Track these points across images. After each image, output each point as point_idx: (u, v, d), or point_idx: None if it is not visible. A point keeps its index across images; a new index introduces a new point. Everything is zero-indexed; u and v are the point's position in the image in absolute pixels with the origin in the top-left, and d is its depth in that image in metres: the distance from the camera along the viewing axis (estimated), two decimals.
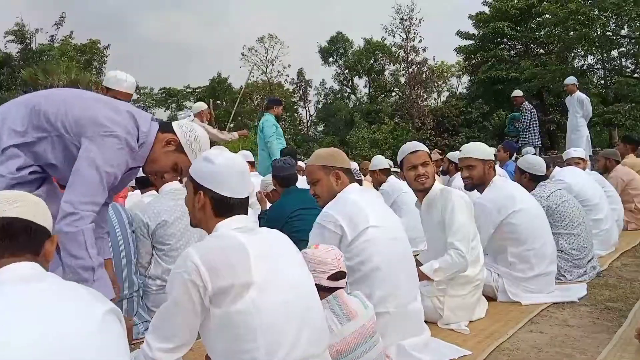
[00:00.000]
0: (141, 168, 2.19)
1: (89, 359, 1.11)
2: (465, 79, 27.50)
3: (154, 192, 3.67)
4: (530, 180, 3.80)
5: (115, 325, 1.23)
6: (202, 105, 6.86)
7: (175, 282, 1.52)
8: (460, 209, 2.73)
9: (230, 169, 1.68)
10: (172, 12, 63.38)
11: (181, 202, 3.20)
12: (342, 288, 1.96)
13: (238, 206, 1.69)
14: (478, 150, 3.26)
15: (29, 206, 1.25)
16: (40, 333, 1.07)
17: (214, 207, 1.67)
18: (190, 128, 2.16)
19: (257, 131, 6.98)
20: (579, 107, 8.31)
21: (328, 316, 1.86)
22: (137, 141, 2.03)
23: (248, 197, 1.75)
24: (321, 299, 1.78)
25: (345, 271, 1.98)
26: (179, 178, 3.35)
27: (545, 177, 3.85)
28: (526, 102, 9.28)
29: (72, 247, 1.86)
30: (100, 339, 1.16)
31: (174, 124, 2.17)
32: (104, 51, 26.10)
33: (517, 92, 9.27)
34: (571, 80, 8.68)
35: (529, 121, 8.82)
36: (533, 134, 8.82)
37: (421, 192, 2.91)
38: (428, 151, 2.96)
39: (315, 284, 1.80)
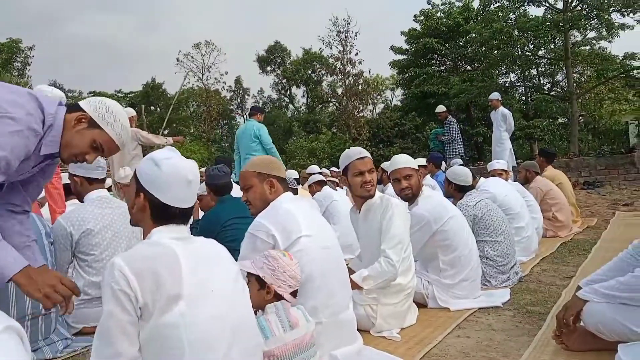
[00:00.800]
0: (60, 157, 1.99)
1: None
2: (399, 91, 28.46)
3: (75, 200, 3.45)
4: (456, 190, 3.98)
5: (11, 346, 1.06)
6: (131, 111, 6.74)
7: (106, 295, 1.43)
8: (399, 217, 2.78)
9: (176, 177, 1.59)
10: (106, 14, 60.84)
11: (108, 211, 3.06)
12: None
13: (179, 215, 1.62)
14: (411, 160, 3.35)
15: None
16: None
17: (152, 212, 1.61)
18: (99, 100, 1.97)
19: (237, 137, 7.09)
20: (503, 121, 8.81)
21: (273, 319, 1.87)
22: (43, 124, 1.85)
23: (192, 207, 1.68)
24: (269, 303, 1.83)
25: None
26: (104, 182, 3.18)
27: (471, 187, 4.03)
28: (450, 116, 9.73)
29: None
30: None
31: (81, 102, 1.98)
32: (28, 52, 24.51)
33: (441, 108, 9.71)
34: (495, 95, 9.20)
35: (454, 133, 9.26)
36: (458, 145, 9.26)
37: (362, 198, 2.92)
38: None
39: (275, 291, 1.87)
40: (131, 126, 6.29)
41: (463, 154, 9.30)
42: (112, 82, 67.50)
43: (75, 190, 3.19)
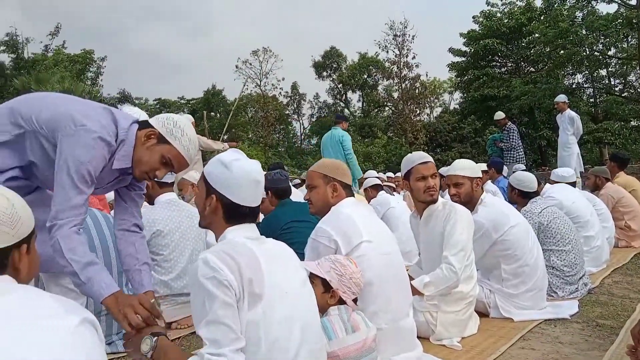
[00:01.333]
0: (132, 175, 2.07)
1: None
2: (458, 94, 27.83)
3: (145, 203, 3.64)
4: (520, 197, 3.84)
5: (87, 337, 1.16)
6: (189, 118, 7.02)
7: (208, 287, 1.45)
8: (462, 224, 2.72)
9: (246, 177, 1.65)
10: (167, 25, 63.69)
11: (176, 213, 3.21)
12: None
13: (249, 215, 1.68)
14: (466, 167, 3.22)
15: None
16: (3, 350, 1.02)
17: (224, 212, 1.66)
18: (166, 117, 2.03)
19: (323, 143, 7.45)
20: (570, 124, 8.41)
21: (336, 321, 1.93)
22: (117, 138, 1.93)
23: (259, 206, 1.74)
24: (331, 306, 1.91)
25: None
26: (173, 185, 3.34)
27: (536, 194, 3.88)
28: (510, 122, 9.38)
29: (57, 257, 1.83)
30: (70, 353, 1.10)
31: (151, 119, 2.06)
32: (100, 62, 26.09)
33: (499, 115, 9.37)
34: (562, 98, 8.80)
35: (514, 141, 8.91)
36: (517, 153, 8.90)
37: (424, 203, 2.87)
38: None
39: (340, 297, 1.94)
40: None
41: (523, 162, 8.94)
42: (175, 89, 70.46)
43: (147, 193, 3.37)
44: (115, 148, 1.95)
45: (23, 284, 1.21)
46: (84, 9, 54.02)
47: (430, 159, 2.89)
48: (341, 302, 1.99)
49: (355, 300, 2.04)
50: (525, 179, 3.90)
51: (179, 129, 1.98)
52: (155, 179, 2.05)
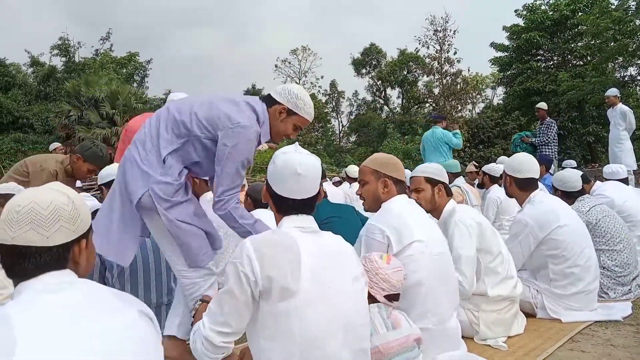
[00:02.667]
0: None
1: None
2: (500, 90, 27.08)
3: None
4: (563, 197, 3.68)
5: (145, 328, 1.24)
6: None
7: (230, 272, 1.58)
8: (459, 235, 2.60)
9: (287, 170, 1.70)
10: (207, 29, 65.03)
11: None
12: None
13: (298, 207, 1.72)
14: (506, 165, 3.27)
15: (41, 228, 1.18)
16: (69, 344, 1.08)
17: (274, 203, 1.76)
18: (288, 91, 2.36)
19: (424, 142, 7.49)
20: (622, 119, 8.03)
21: (376, 318, 1.94)
22: (259, 122, 2.33)
23: (312, 198, 1.75)
24: (371, 303, 1.90)
25: (400, 294, 2.03)
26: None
27: (581, 192, 3.74)
28: (549, 117, 8.98)
29: (230, 222, 2.29)
30: (130, 345, 1.17)
31: (272, 93, 2.39)
32: (146, 65, 26.92)
33: (543, 105, 8.97)
34: (613, 92, 8.41)
35: (551, 135, 8.53)
36: (551, 149, 8.52)
37: (433, 212, 2.80)
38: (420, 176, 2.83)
39: (369, 294, 1.89)
40: None
41: (556, 158, 8.54)
42: (217, 90, 71.82)
43: (193, 190, 3.47)
44: (260, 130, 2.33)
45: (83, 278, 1.28)
46: (132, 15, 55.87)
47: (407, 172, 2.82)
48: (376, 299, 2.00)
49: (390, 298, 2.01)
50: (567, 178, 3.77)
51: (301, 100, 2.35)
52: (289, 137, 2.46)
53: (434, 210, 2.78)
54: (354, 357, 1.60)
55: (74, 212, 1.24)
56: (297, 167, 1.70)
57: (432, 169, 2.86)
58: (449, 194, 2.81)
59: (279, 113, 2.35)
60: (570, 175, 3.83)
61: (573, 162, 7.61)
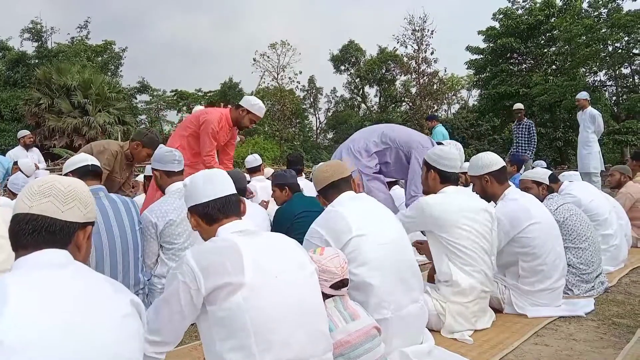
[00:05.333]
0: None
1: (110, 350, 1.15)
2: (476, 92, 27.51)
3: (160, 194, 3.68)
4: (546, 191, 3.75)
5: (134, 319, 1.27)
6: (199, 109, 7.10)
7: (171, 282, 1.61)
8: None
9: (194, 182, 1.84)
10: (185, 16, 64.06)
11: None
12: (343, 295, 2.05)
13: (222, 208, 1.77)
14: (471, 166, 3.29)
15: (58, 201, 1.26)
16: (63, 320, 1.11)
17: (203, 218, 1.80)
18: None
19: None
20: (591, 122, 8.24)
21: (333, 313, 1.95)
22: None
23: (231, 197, 1.82)
24: (326, 299, 1.89)
25: (348, 278, 2.05)
26: (182, 174, 3.37)
27: (550, 191, 3.82)
28: (526, 118, 9.19)
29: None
30: (120, 331, 1.20)
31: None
32: (121, 53, 26.36)
33: (520, 105, 9.18)
34: (583, 95, 8.62)
35: (532, 136, 8.74)
36: (531, 150, 8.72)
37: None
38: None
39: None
40: None
41: (532, 159, 8.77)
42: (193, 81, 70.84)
43: (157, 183, 3.40)
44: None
45: (77, 261, 1.30)
46: (109, 1, 54.58)
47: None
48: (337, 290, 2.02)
49: (336, 286, 2.01)
50: (537, 172, 3.87)
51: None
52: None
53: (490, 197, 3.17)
54: (311, 339, 1.62)
55: (89, 198, 1.35)
56: (200, 176, 1.86)
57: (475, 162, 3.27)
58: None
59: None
60: (540, 170, 3.93)
61: (543, 163, 7.79)
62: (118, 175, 4.12)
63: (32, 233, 1.23)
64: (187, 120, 4.68)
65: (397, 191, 5.59)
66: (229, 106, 4.60)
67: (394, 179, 4.99)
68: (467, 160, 4.13)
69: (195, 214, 1.81)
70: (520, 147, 8.71)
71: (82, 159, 2.97)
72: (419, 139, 3.95)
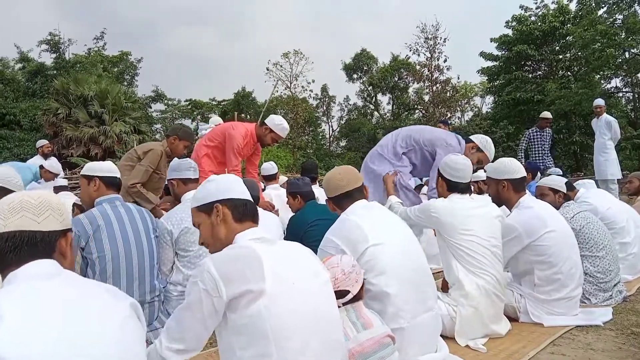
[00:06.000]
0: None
1: (112, 357, 1.15)
2: (489, 99, 27.33)
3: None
4: (563, 199, 3.73)
5: (134, 322, 1.28)
6: (218, 119, 7.17)
7: (192, 290, 1.60)
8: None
9: (227, 178, 1.88)
10: (199, 27, 64.87)
11: None
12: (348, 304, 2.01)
13: (245, 211, 1.80)
14: (493, 168, 3.33)
15: (31, 214, 1.27)
16: (61, 331, 1.10)
17: (231, 218, 1.79)
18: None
19: None
20: (607, 129, 8.15)
21: (346, 323, 1.93)
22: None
23: (251, 202, 1.85)
24: (343, 305, 1.91)
25: (347, 289, 1.98)
26: (198, 182, 3.42)
27: (567, 198, 3.79)
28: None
29: None
30: (121, 337, 1.20)
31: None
32: (137, 64, 26.73)
33: (548, 114, 9.07)
34: (600, 102, 8.54)
35: (549, 143, 8.66)
36: (549, 158, 8.64)
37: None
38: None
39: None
40: None
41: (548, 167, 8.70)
42: (206, 91, 71.53)
43: (173, 192, 3.45)
44: None
45: (66, 269, 1.30)
46: (124, 13, 55.52)
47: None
48: (353, 300, 2.00)
49: (339, 294, 1.97)
50: (554, 179, 3.83)
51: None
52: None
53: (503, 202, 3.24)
54: (324, 347, 1.61)
55: (61, 206, 1.34)
56: (228, 176, 1.93)
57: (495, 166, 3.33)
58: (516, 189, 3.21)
59: (471, 148, 4.06)
60: (557, 177, 3.90)
61: (558, 170, 7.69)
62: (162, 172, 4.27)
63: (13, 250, 1.22)
64: (213, 132, 4.83)
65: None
66: (250, 116, 5.21)
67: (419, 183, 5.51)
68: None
69: (227, 207, 1.78)
70: (541, 155, 8.58)
71: (113, 169, 3.02)
72: (444, 137, 4.00)
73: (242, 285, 1.53)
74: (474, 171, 3.86)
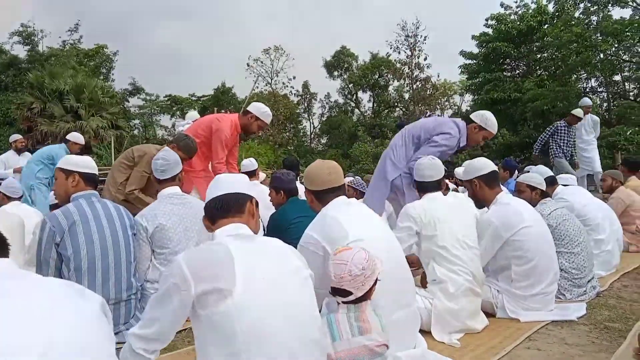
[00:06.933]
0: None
1: (88, 354, 1.11)
2: (468, 97, 27.68)
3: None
4: (539, 196, 3.77)
5: (103, 319, 1.24)
6: (195, 115, 7.07)
7: (163, 282, 1.63)
8: None
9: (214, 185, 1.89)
10: (178, 22, 64.06)
11: (179, 207, 3.23)
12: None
13: (224, 207, 1.80)
14: (464, 170, 3.44)
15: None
16: (48, 331, 1.06)
17: (210, 219, 1.83)
18: (257, 106, 4.56)
19: None
20: (594, 127, 8.43)
21: (343, 322, 1.89)
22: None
23: (234, 195, 1.82)
24: (344, 303, 1.88)
25: (348, 290, 1.91)
26: (175, 180, 3.37)
27: (546, 195, 3.85)
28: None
29: None
30: (95, 334, 1.17)
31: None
32: (112, 57, 26.27)
33: (580, 112, 8.79)
34: (588, 102, 8.73)
35: (573, 140, 8.62)
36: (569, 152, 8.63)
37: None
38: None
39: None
40: None
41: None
42: (185, 86, 70.69)
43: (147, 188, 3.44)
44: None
45: (22, 270, 1.26)
46: (101, 6, 54.43)
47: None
48: (358, 301, 1.94)
49: (336, 293, 1.94)
50: (537, 176, 3.88)
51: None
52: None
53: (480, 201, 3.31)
54: (304, 348, 1.59)
55: None
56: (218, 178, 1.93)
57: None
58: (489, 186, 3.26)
59: (474, 128, 4.00)
60: (536, 175, 3.95)
61: (544, 168, 7.80)
62: None
63: None
64: (197, 126, 4.72)
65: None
66: (230, 112, 5.05)
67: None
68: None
69: (208, 217, 1.85)
70: (569, 149, 8.47)
71: (93, 165, 2.97)
72: (441, 127, 3.94)
73: (211, 283, 1.53)
74: (482, 148, 3.88)
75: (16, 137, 8.17)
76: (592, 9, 16.98)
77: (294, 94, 32.62)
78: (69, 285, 1.25)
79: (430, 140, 3.87)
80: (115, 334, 2.76)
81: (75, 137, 6.85)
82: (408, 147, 4.00)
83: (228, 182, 1.87)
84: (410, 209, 2.90)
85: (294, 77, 30.93)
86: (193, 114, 7.16)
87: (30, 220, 3.77)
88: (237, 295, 1.52)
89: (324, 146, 32.69)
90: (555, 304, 3.17)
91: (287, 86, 30.68)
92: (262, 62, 29.86)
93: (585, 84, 21.42)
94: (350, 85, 31.84)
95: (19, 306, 1.08)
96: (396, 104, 29.50)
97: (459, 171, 5.75)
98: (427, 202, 2.94)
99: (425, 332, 2.60)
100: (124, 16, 56.23)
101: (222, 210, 1.79)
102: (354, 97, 32.79)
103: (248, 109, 4.66)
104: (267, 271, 1.62)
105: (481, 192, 3.25)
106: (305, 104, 34.03)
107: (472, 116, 4.01)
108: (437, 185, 3.03)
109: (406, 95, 27.06)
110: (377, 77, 30.35)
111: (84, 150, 6.85)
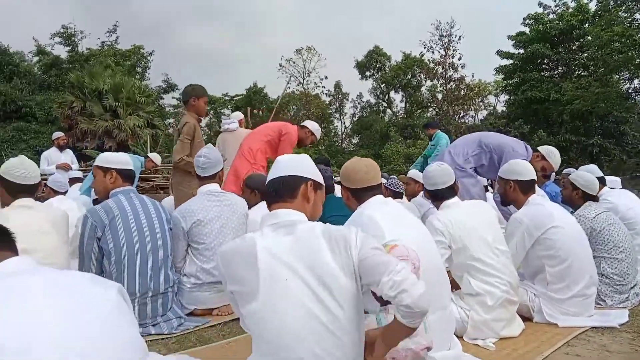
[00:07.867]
0: None
1: (112, 342, 1.13)
2: (503, 97, 27.09)
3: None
4: (581, 198, 3.68)
5: (123, 304, 1.24)
6: (240, 115, 7.41)
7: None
8: None
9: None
10: (212, 23, 65.07)
11: (216, 204, 3.29)
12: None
13: (273, 191, 1.76)
14: (504, 167, 3.36)
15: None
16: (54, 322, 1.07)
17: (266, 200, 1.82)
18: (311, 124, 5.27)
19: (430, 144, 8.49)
20: None
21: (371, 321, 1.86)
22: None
23: (281, 180, 1.78)
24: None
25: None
26: (215, 177, 3.43)
27: (595, 199, 3.73)
28: None
29: None
30: (117, 320, 1.18)
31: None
32: (148, 57, 26.90)
33: None
34: None
35: None
36: None
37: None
38: None
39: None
40: (241, 126, 6.90)
41: None
42: (219, 86, 71.74)
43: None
44: None
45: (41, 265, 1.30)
46: (138, 8, 55.85)
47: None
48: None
49: (381, 301, 1.83)
50: (592, 180, 3.74)
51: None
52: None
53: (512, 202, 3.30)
54: (329, 353, 1.52)
55: None
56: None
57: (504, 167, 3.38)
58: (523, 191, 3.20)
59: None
60: (587, 174, 3.78)
61: (594, 167, 7.52)
62: (201, 140, 4.56)
63: None
64: (266, 127, 5.33)
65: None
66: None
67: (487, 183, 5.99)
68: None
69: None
70: None
71: (129, 162, 3.05)
72: (512, 144, 4.33)
73: (237, 284, 1.57)
74: (538, 179, 3.67)
75: (58, 134, 8.47)
76: (636, 6, 16.35)
77: (326, 94, 32.69)
78: (86, 276, 1.26)
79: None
80: (153, 325, 2.85)
81: (154, 157, 7.86)
82: (468, 148, 4.52)
83: (283, 163, 1.80)
84: (435, 222, 2.78)
85: (326, 77, 30.99)
86: (237, 114, 7.51)
87: (73, 214, 3.91)
88: (259, 299, 1.52)
89: (355, 146, 32.61)
90: (595, 310, 3.07)
91: (318, 86, 30.76)
92: (294, 62, 30.03)
93: (628, 84, 20.62)
94: (382, 85, 31.66)
95: (36, 303, 1.08)
96: (429, 104, 29.15)
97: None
98: (449, 211, 2.83)
99: (458, 337, 2.55)
100: (158, 18, 57.54)
101: (274, 194, 1.72)
102: (386, 97, 32.59)
103: (305, 124, 5.33)
104: (295, 275, 1.53)
105: (514, 194, 3.22)
106: (337, 104, 34.03)
107: (539, 147, 4.37)
108: (452, 191, 2.93)
109: (439, 96, 26.69)
110: (409, 77, 30.08)
111: (121, 148, 7.43)
